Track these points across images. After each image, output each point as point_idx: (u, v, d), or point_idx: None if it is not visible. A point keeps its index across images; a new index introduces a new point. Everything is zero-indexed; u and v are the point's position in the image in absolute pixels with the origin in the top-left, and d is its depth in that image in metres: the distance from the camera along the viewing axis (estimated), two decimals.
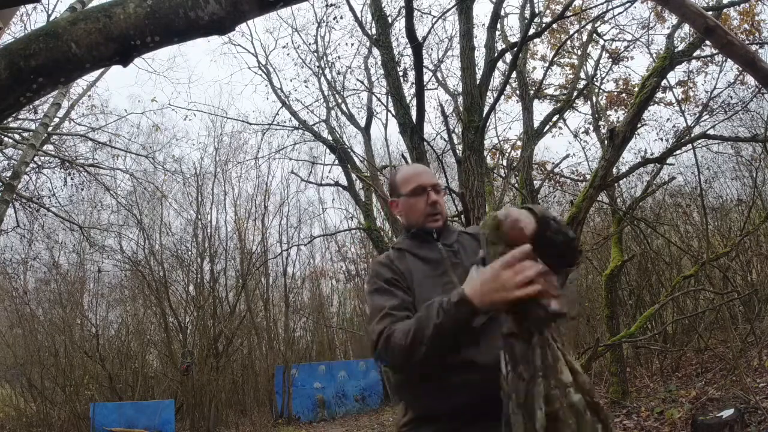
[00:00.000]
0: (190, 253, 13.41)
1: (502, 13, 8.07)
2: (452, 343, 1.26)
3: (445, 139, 8.23)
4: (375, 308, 1.42)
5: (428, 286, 1.44)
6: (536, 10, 7.28)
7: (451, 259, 1.52)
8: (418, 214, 1.60)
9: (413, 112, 5.26)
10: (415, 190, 1.60)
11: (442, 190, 1.66)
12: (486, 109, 5.52)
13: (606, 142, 5.01)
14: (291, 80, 28.97)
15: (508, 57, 7.65)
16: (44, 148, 8.85)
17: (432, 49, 9.66)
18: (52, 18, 7.06)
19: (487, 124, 5.59)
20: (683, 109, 8.11)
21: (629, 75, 9.62)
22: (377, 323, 1.38)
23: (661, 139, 9.44)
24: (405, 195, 1.62)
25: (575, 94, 8.95)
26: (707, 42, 4.21)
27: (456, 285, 1.33)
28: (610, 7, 7.28)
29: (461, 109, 6.16)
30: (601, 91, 9.64)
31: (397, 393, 1.49)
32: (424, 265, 1.48)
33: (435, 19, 7.38)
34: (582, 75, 9.40)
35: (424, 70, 5.86)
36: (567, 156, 9.09)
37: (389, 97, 6.45)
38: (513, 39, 8.32)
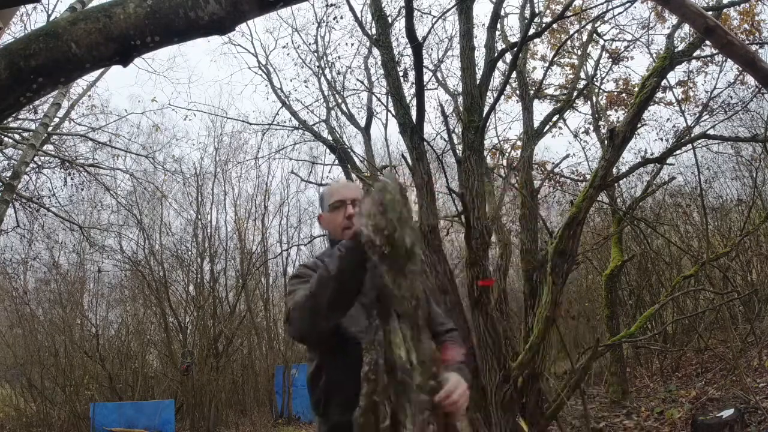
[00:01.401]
0: (190, 253, 13.42)
1: (502, 13, 8.05)
2: (352, 285, 1.36)
3: (445, 139, 8.22)
4: (291, 297, 1.50)
5: (356, 309, 1.45)
6: (536, 10, 7.25)
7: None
8: (335, 226, 1.69)
9: (413, 112, 5.25)
10: (334, 204, 1.68)
11: None
12: (486, 109, 5.51)
13: (606, 142, 5.00)
14: (291, 80, 28.93)
15: (508, 57, 7.63)
16: (44, 148, 8.84)
17: (432, 49, 9.62)
18: (52, 18, 7.06)
19: (487, 124, 5.58)
20: (683, 109, 8.10)
21: (629, 75, 9.60)
22: (290, 305, 1.46)
23: (661, 139, 9.43)
24: (327, 210, 1.71)
25: (575, 94, 8.93)
26: (707, 42, 4.21)
27: (365, 302, 1.43)
28: (610, 7, 7.27)
29: (461, 109, 6.15)
30: (601, 91, 9.62)
31: (317, 407, 1.53)
32: None
33: (435, 19, 7.36)
34: (582, 75, 9.38)
35: (424, 70, 5.85)
36: (567, 156, 9.02)
37: (389, 97, 6.43)
38: (513, 39, 8.30)
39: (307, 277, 1.55)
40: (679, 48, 5.71)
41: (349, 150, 9.98)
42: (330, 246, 1.77)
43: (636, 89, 5.87)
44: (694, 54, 6.07)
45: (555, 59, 8.83)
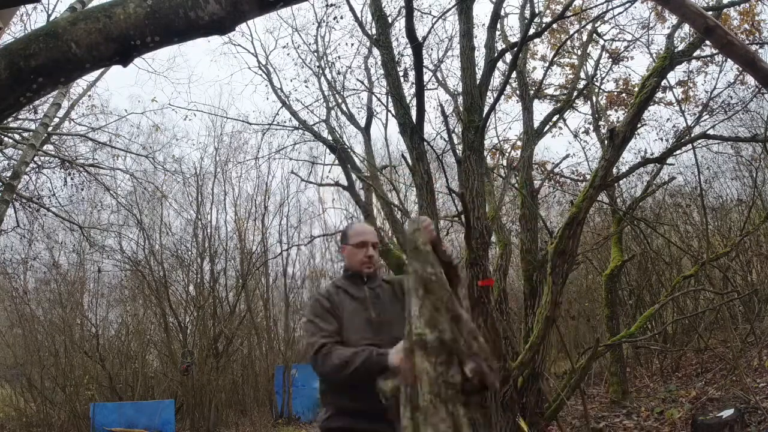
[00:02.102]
0: (190, 253, 13.41)
1: (502, 13, 8.04)
2: (367, 377, 1.74)
3: (445, 139, 8.22)
4: (317, 327, 2.02)
5: (353, 317, 2.04)
6: (536, 10, 7.24)
7: (373, 299, 2.12)
8: (357, 261, 2.19)
9: (413, 112, 5.26)
10: (359, 244, 2.19)
11: (378, 248, 2.27)
12: (486, 109, 5.51)
13: (606, 142, 5.01)
14: (291, 80, 28.98)
15: (508, 57, 7.63)
16: (44, 148, 8.84)
17: (432, 49, 9.62)
18: (52, 18, 7.05)
19: (487, 124, 5.58)
20: (683, 109, 8.10)
21: (629, 75, 9.59)
22: (319, 338, 1.97)
23: (661, 139, 9.42)
24: (351, 245, 2.20)
25: (575, 94, 8.92)
26: (707, 42, 4.21)
27: (373, 319, 2.05)
28: (610, 7, 7.27)
29: (461, 109, 6.15)
30: (601, 91, 9.61)
31: (323, 396, 2.09)
32: (352, 301, 2.09)
33: (435, 19, 7.37)
34: (582, 75, 9.37)
35: (424, 70, 5.85)
36: (567, 156, 9.01)
37: (389, 97, 6.44)
38: (513, 39, 8.29)
39: (323, 316, 2.05)
40: (679, 48, 5.71)
41: (349, 150, 9.99)
42: (343, 274, 2.27)
43: (636, 89, 5.87)
44: (694, 54, 6.07)
45: (555, 59, 8.83)
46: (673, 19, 7.18)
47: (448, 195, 8.62)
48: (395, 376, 1.58)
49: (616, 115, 9.62)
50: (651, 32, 9.09)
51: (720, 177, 11.19)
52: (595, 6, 7.89)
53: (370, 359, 1.85)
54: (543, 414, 4.95)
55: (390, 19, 7.08)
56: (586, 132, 10.09)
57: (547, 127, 8.36)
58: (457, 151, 5.66)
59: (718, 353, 7.66)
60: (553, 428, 5.57)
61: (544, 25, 7.48)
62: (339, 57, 16.98)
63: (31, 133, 7.60)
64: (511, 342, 5.72)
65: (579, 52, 9.42)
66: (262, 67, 10.75)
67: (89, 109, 10.11)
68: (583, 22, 8.37)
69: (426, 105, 6.03)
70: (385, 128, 11.57)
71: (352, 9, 8.13)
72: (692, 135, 7.06)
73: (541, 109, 16.58)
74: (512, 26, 9.67)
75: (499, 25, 7.62)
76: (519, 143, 8.84)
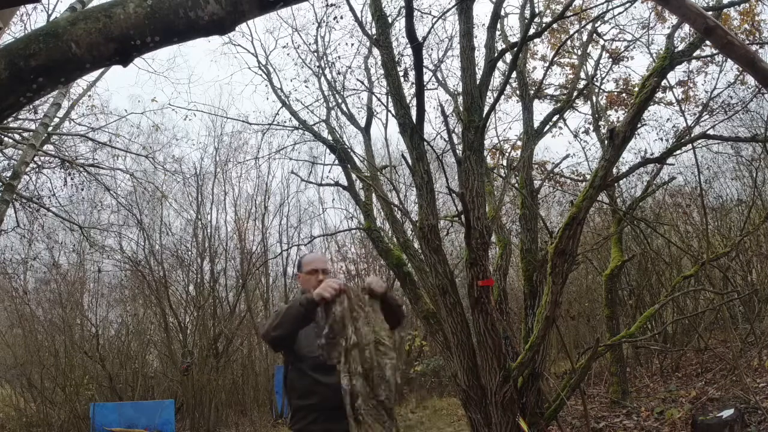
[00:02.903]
0: (190, 253, 13.41)
1: (502, 13, 8.03)
2: (299, 318, 2.22)
3: (445, 139, 8.20)
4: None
5: (307, 335, 2.30)
6: (536, 10, 7.24)
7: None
8: (311, 286, 2.43)
9: (413, 112, 5.25)
10: (311, 271, 2.51)
11: (329, 273, 2.59)
12: (486, 109, 5.51)
13: (606, 142, 5.00)
14: (291, 80, 29.03)
15: (508, 57, 7.62)
16: (44, 148, 8.83)
17: (432, 49, 9.62)
18: (52, 18, 7.05)
19: (487, 124, 5.57)
20: (683, 109, 8.10)
21: (629, 75, 9.59)
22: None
23: (661, 139, 9.42)
24: (304, 273, 2.53)
25: (575, 94, 8.91)
26: (707, 42, 4.21)
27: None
28: (610, 7, 7.27)
29: (461, 109, 6.14)
30: (601, 91, 9.61)
31: (286, 395, 2.42)
32: None
33: (435, 19, 7.35)
34: (582, 75, 9.36)
35: (424, 70, 5.84)
36: (567, 156, 8.99)
37: (389, 97, 6.43)
38: (513, 39, 8.29)
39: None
40: (679, 48, 5.70)
41: (349, 150, 9.97)
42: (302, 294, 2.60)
43: (636, 89, 5.87)
44: (694, 54, 6.06)
45: (555, 59, 8.81)
46: (673, 19, 7.18)
47: (448, 195, 8.62)
48: (323, 305, 2.20)
49: (616, 115, 9.62)
50: (651, 32, 9.08)
51: (720, 177, 11.19)
52: (595, 6, 7.90)
53: (296, 300, 2.25)
54: (543, 414, 4.94)
55: (390, 19, 7.06)
56: (586, 132, 10.10)
57: (547, 127, 8.35)
58: (457, 151, 5.65)
59: (718, 353, 7.66)
60: (553, 428, 5.57)
61: (544, 25, 7.47)
62: (339, 57, 17.02)
63: (31, 133, 7.60)
64: (511, 342, 5.72)
65: (579, 52, 9.42)
66: (262, 67, 10.72)
67: (89, 109, 10.12)
68: (583, 22, 8.37)
69: (426, 105, 6.02)
70: (385, 128, 11.55)
71: (352, 9, 8.11)
72: (692, 135, 7.05)
73: (541, 109, 16.61)
74: (512, 26, 9.68)
75: (499, 25, 7.61)
76: (519, 143, 8.83)
